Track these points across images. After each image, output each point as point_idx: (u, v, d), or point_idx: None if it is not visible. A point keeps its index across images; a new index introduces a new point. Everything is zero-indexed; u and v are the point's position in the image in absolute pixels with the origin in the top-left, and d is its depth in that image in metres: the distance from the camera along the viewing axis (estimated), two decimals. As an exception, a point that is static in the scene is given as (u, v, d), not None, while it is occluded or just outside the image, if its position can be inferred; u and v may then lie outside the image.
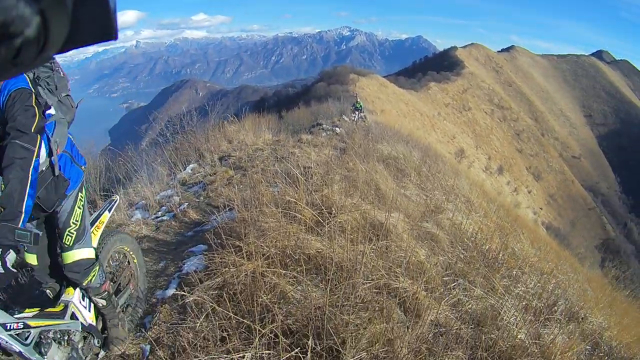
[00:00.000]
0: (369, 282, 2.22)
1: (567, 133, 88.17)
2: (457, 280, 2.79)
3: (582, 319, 3.36)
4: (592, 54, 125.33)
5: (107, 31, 0.38)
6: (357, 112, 14.87)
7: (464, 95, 70.60)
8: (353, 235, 2.47)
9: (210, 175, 5.17)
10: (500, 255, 3.77)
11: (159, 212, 4.87)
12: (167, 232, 3.85)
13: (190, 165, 6.17)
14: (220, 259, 2.47)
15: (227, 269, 2.36)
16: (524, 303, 2.92)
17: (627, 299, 5.39)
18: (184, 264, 2.90)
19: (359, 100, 15.97)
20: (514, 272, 3.47)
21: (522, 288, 3.20)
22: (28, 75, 1.56)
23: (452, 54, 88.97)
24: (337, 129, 10.74)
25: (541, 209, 58.89)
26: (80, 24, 0.35)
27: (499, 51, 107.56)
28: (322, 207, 2.99)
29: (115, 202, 2.38)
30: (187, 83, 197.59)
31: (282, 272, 2.24)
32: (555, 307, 3.21)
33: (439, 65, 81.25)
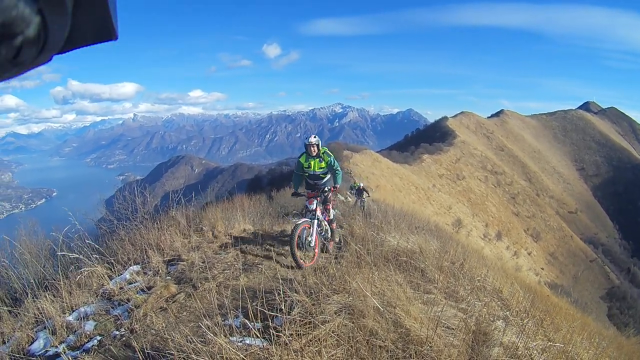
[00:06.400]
0: None
1: (561, 190, 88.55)
2: None
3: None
4: (580, 107, 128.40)
5: (107, 31, 0.38)
6: (359, 194, 12.94)
7: (457, 165, 70.99)
8: None
9: (145, 290, 3.50)
10: None
11: (61, 347, 3.16)
12: None
13: (131, 268, 4.51)
14: None
15: None
16: None
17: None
18: None
19: (356, 181, 12.47)
20: None
21: None
22: None
23: (443, 125, 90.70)
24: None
25: (542, 269, 56.89)
26: (80, 24, 0.35)
27: (489, 117, 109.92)
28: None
29: None
30: (183, 159, 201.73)
31: None
32: None
33: (431, 136, 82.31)
